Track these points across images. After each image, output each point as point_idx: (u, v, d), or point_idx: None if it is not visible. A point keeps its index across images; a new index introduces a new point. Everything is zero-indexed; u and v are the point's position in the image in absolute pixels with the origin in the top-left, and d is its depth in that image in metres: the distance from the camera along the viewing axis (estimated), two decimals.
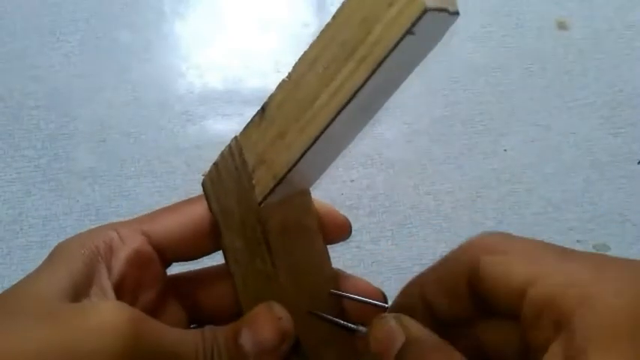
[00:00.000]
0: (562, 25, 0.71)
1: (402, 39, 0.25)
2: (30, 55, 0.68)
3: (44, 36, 0.69)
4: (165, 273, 0.35)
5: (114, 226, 0.33)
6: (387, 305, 0.34)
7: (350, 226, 0.36)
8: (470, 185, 0.61)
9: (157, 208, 0.64)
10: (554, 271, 0.26)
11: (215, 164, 0.33)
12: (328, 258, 0.36)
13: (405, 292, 0.33)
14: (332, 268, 0.36)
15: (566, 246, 0.60)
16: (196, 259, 0.35)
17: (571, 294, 0.24)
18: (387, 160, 0.63)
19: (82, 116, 0.65)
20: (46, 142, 0.63)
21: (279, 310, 0.31)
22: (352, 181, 0.62)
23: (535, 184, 0.62)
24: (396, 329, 0.29)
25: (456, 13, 0.27)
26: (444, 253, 0.61)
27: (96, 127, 0.64)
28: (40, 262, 0.31)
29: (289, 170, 0.29)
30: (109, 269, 0.31)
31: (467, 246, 0.30)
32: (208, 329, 0.30)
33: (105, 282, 0.31)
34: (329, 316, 0.33)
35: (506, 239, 0.29)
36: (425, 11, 0.25)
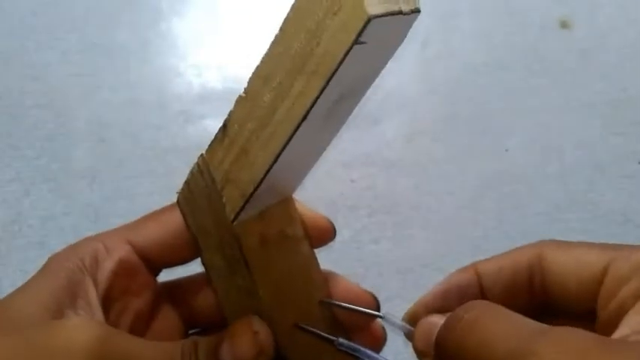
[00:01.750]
0: (564, 24, 0.71)
1: (350, 49, 0.24)
2: (28, 54, 0.68)
3: (42, 35, 0.69)
4: (155, 280, 0.35)
5: (99, 238, 0.33)
6: (380, 314, 0.34)
7: (334, 229, 0.36)
8: (471, 185, 0.61)
9: (156, 208, 0.64)
10: (626, 257, 0.26)
11: (186, 182, 0.32)
12: (316, 263, 0.35)
13: (459, 278, 0.32)
14: (321, 272, 0.35)
15: None
16: (184, 263, 0.35)
17: None
18: (388, 160, 0.63)
19: (80, 116, 0.64)
20: (45, 141, 0.63)
21: (258, 324, 0.31)
22: (352, 181, 0.61)
23: (536, 184, 0.61)
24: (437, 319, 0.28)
25: (416, 11, 0.26)
26: (446, 254, 0.61)
27: (94, 127, 0.64)
28: (39, 262, 0.31)
29: (256, 188, 0.29)
30: (95, 281, 0.32)
31: (529, 245, 0.29)
32: (189, 341, 0.30)
33: (91, 294, 0.31)
34: (312, 329, 0.32)
35: (564, 241, 0.29)
36: (369, 20, 0.23)
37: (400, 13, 0.25)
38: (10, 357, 0.27)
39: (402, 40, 0.28)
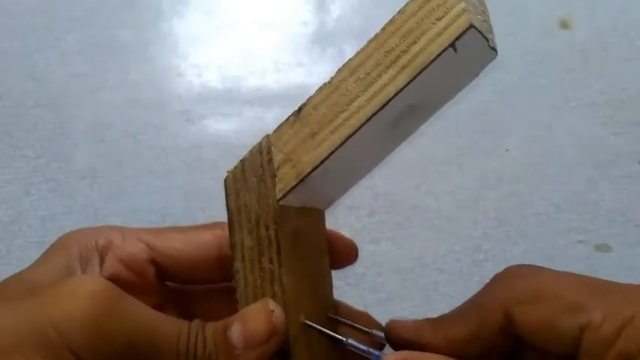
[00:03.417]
0: (564, 24, 0.71)
1: (444, 51, 0.27)
2: (28, 54, 0.68)
3: (42, 35, 0.69)
4: (162, 286, 0.35)
5: (119, 228, 0.34)
6: (384, 343, 0.35)
7: (357, 251, 0.37)
8: (471, 185, 0.61)
9: (156, 208, 0.64)
10: (601, 315, 0.27)
11: (241, 161, 0.33)
12: (330, 283, 0.36)
13: (422, 334, 0.33)
14: (332, 295, 0.36)
15: (568, 247, 0.60)
16: (190, 283, 0.35)
17: (629, 334, 0.26)
18: (388, 160, 0.62)
19: (80, 116, 0.64)
20: (45, 142, 0.63)
21: (274, 305, 0.31)
22: None
23: (536, 184, 0.61)
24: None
25: (494, 50, 0.29)
26: (446, 254, 0.60)
27: (95, 127, 0.64)
28: None
29: (313, 169, 0.30)
30: (102, 263, 0.32)
31: (495, 291, 0.30)
32: (197, 320, 0.30)
33: (95, 273, 0.32)
34: (322, 328, 0.33)
35: (534, 277, 0.30)
36: (470, 27, 0.26)
37: (487, 40, 0.28)
38: (19, 320, 0.27)
39: (473, 76, 0.30)
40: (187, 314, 0.34)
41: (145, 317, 0.29)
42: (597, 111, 0.66)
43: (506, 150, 0.64)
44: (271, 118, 0.65)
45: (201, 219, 0.59)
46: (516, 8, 0.71)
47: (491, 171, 0.62)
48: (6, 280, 0.31)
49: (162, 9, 0.72)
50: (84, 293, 0.27)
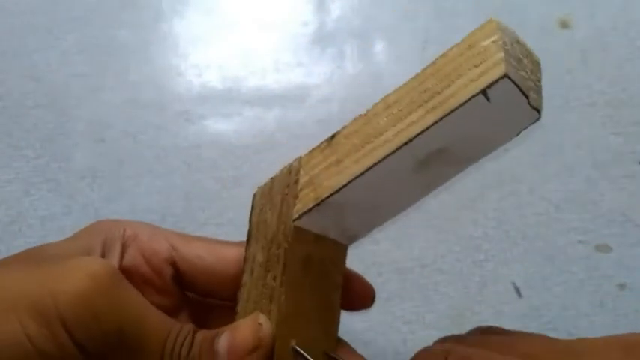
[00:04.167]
0: (564, 24, 0.71)
1: (474, 96, 0.27)
2: (28, 54, 0.68)
3: (42, 35, 0.69)
4: (179, 290, 0.35)
5: (150, 225, 0.35)
6: None
7: (374, 297, 0.37)
8: (471, 185, 0.61)
9: (156, 208, 0.64)
10: None
11: (272, 178, 0.34)
12: (337, 320, 0.36)
13: None
14: (336, 332, 0.36)
15: (568, 247, 0.60)
16: (209, 296, 0.35)
17: None
18: None
19: (80, 116, 0.64)
20: (45, 142, 0.63)
21: (263, 319, 0.31)
22: None
23: (536, 185, 0.61)
24: None
25: (536, 110, 0.29)
26: (446, 254, 0.61)
27: (95, 127, 0.64)
28: None
29: (331, 195, 0.30)
30: (124, 254, 0.33)
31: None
32: (191, 324, 0.31)
33: (112, 260, 0.33)
34: (309, 358, 0.33)
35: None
36: (504, 76, 0.26)
37: (527, 97, 0.28)
38: (23, 284, 0.28)
39: (511, 136, 0.31)
40: (200, 326, 0.35)
41: (139, 308, 0.29)
42: (597, 111, 0.66)
43: (506, 150, 0.64)
44: (271, 118, 0.65)
45: (201, 219, 0.59)
46: (516, 8, 0.71)
47: (491, 171, 0.62)
48: (25, 251, 0.32)
49: (162, 9, 0.72)
50: (86, 271, 0.28)
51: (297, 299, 0.33)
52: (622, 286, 0.55)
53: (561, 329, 0.53)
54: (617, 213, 0.60)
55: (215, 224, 0.58)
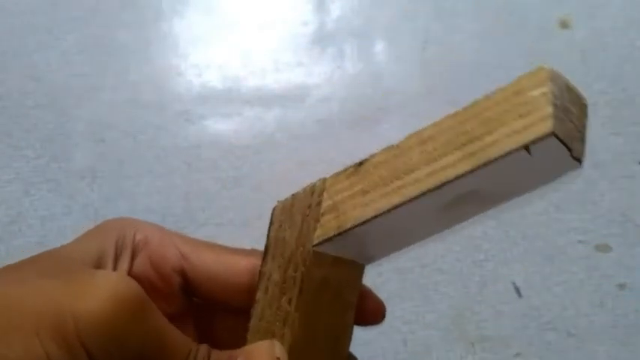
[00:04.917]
0: (564, 24, 0.71)
1: (516, 150, 0.25)
2: (28, 54, 0.68)
3: (42, 35, 0.69)
4: (185, 298, 0.35)
5: (161, 228, 0.34)
6: None
7: (385, 313, 0.36)
8: None
9: (156, 208, 0.64)
10: None
11: (293, 195, 0.33)
12: (349, 339, 0.35)
13: None
14: (347, 350, 0.35)
15: (568, 247, 0.60)
16: (216, 304, 0.35)
17: None
18: None
19: (80, 116, 0.64)
20: (45, 142, 0.63)
21: (281, 351, 0.31)
22: None
23: None
24: None
25: (577, 161, 0.27)
26: (446, 254, 0.61)
27: (95, 127, 0.64)
28: None
29: (354, 226, 0.30)
30: (134, 259, 0.32)
31: None
32: (206, 346, 0.30)
33: (123, 266, 0.32)
34: None
35: None
36: (550, 134, 0.25)
37: (570, 150, 0.26)
38: (43, 301, 0.27)
39: (545, 183, 0.29)
40: (203, 329, 0.34)
41: (162, 332, 0.29)
42: (597, 111, 0.66)
43: None
44: (271, 118, 0.65)
45: (201, 219, 0.59)
46: (516, 8, 0.71)
47: None
48: (38, 256, 0.31)
49: (162, 9, 0.72)
50: (110, 292, 0.27)
51: (311, 323, 0.32)
52: (622, 286, 0.55)
53: (561, 329, 0.53)
54: (617, 213, 0.60)
55: (215, 224, 0.58)
